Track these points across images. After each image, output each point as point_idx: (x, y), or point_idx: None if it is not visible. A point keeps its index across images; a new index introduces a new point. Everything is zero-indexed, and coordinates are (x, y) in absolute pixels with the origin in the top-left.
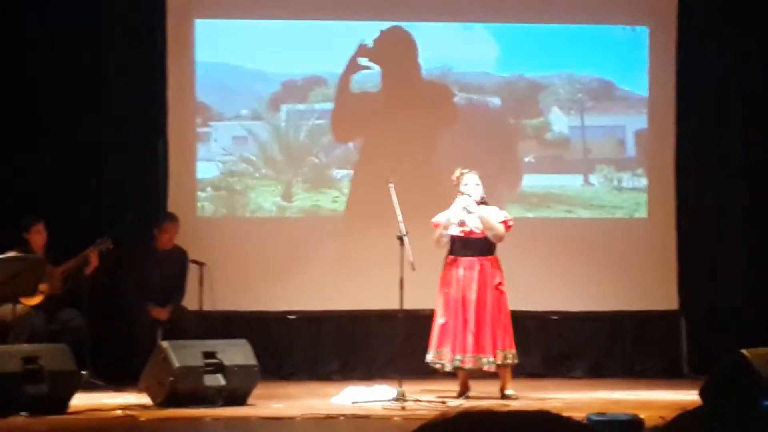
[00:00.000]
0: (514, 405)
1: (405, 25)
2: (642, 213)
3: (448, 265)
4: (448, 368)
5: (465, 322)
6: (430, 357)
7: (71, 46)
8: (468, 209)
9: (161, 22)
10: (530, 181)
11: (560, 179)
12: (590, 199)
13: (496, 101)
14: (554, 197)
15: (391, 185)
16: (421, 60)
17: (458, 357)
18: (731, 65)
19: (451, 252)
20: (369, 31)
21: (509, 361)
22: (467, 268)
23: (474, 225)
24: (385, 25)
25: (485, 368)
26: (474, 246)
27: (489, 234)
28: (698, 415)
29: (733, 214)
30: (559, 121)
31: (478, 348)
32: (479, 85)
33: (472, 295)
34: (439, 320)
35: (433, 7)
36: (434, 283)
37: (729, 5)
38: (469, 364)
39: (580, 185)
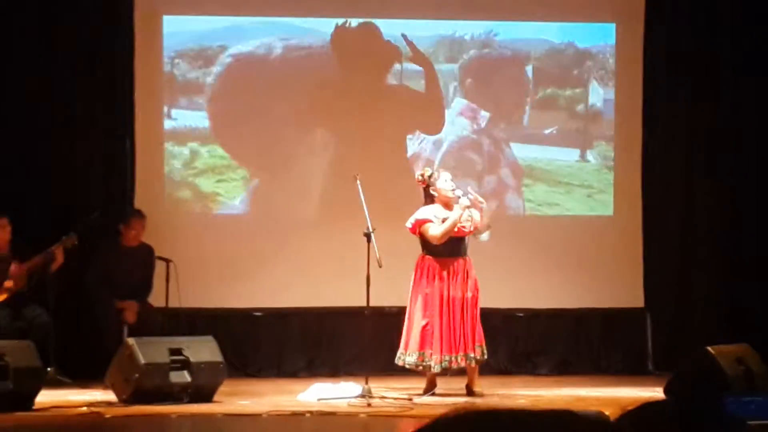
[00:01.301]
0: (481, 402)
1: (375, 21)
2: (608, 210)
3: (428, 264)
4: (436, 370)
5: (453, 321)
6: (411, 359)
7: (37, 42)
8: (477, 207)
9: (128, 17)
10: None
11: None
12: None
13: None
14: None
15: (358, 180)
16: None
17: (447, 357)
18: (699, 65)
19: (433, 251)
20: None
21: (485, 357)
22: (452, 267)
23: (465, 223)
24: (354, 21)
25: (467, 365)
26: (459, 245)
27: (480, 234)
28: (661, 407)
29: (699, 212)
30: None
31: (466, 346)
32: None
33: (458, 293)
34: (419, 321)
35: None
36: (401, 279)
37: (697, 2)
38: (460, 363)
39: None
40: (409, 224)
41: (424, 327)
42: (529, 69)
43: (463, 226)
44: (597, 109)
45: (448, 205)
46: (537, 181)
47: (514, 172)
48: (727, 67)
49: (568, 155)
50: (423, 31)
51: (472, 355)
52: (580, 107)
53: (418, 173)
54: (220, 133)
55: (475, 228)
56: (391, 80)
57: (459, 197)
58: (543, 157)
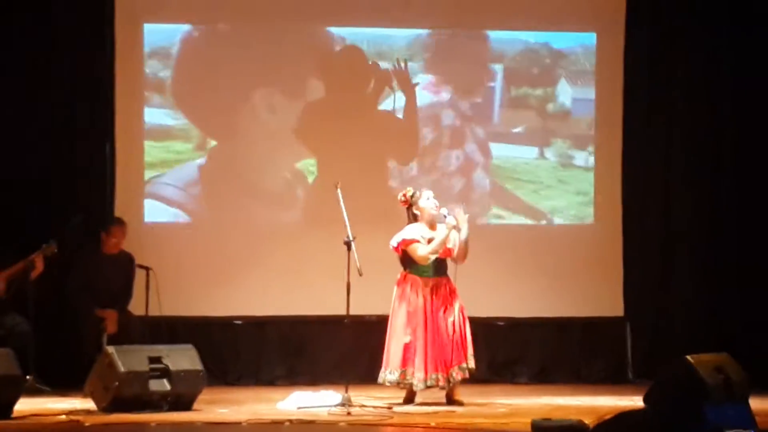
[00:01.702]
0: (461, 411)
1: (354, 30)
2: (588, 219)
3: (411, 282)
4: (419, 387)
5: (438, 339)
6: (393, 377)
7: (19, 47)
8: (457, 228)
9: (109, 25)
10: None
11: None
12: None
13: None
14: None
15: (338, 189)
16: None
17: (434, 376)
18: (679, 71)
19: (417, 270)
20: (323, 36)
21: (473, 367)
22: (436, 286)
23: (449, 243)
24: (336, 31)
25: (451, 382)
26: (443, 264)
27: (459, 256)
28: (638, 416)
29: (679, 221)
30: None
31: (453, 362)
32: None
33: (443, 311)
34: (402, 338)
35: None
36: (382, 288)
37: (676, 9)
38: (454, 378)
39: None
40: (394, 243)
41: (406, 345)
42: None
43: (447, 248)
44: (567, 109)
45: (432, 224)
46: (515, 188)
47: (488, 172)
48: (707, 73)
49: (545, 161)
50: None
51: (460, 366)
52: (549, 107)
53: (400, 194)
54: (198, 137)
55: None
56: (372, 95)
57: (445, 216)
58: (514, 158)
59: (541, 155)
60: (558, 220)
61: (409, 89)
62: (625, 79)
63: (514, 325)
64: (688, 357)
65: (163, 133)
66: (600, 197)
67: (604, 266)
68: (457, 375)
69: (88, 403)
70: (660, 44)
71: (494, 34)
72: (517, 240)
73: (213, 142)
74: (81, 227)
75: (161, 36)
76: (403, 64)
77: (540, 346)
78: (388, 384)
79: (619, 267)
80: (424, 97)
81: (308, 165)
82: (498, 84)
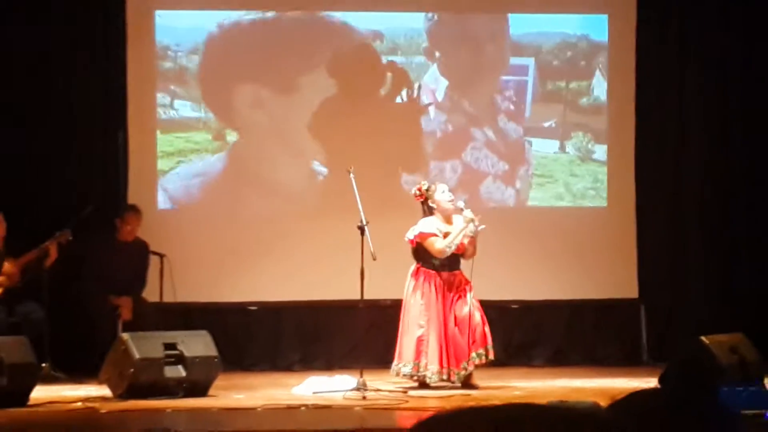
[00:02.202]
0: (476, 395)
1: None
2: (602, 201)
3: (425, 275)
4: (433, 380)
5: (452, 332)
6: (406, 369)
7: (30, 36)
8: (476, 225)
9: (121, 12)
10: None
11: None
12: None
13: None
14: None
15: (351, 173)
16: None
17: (447, 370)
18: (691, 54)
19: (431, 264)
20: (336, 22)
21: (492, 357)
22: (450, 280)
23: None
24: (351, 17)
25: (477, 362)
26: (457, 258)
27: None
28: (651, 396)
29: (692, 201)
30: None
31: (470, 350)
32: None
33: (457, 304)
34: (414, 332)
35: None
36: (395, 272)
37: None
38: (453, 377)
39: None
40: (411, 236)
41: (419, 338)
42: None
43: (462, 241)
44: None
45: (447, 218)
46: (531, 172)
47: (511, 161)
48: (722, 53)
49: (559, 145)
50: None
51: (481, 351)
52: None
53: (414, 188)
54: (215, 124)
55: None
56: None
57: (462, 209)
58: (536, 147)
59: (562, 149)
60: (572, 203)
61: (425, 82)
62: (638, 60)
63: (529, 308)
64: (703, 338)
65: (178, 123)
66: (613, 178)
67: (618, 248)
68: (470, 365)
69: (104, 390)
70: (673, 27)
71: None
72: (531, 223)
73: (229, 132)
74: (93, 215)
75: (174, 23)
76: (419, 55)
77: (555, 328)
78: (402, 376)
79: (633, 249)
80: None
81: (323, 155)
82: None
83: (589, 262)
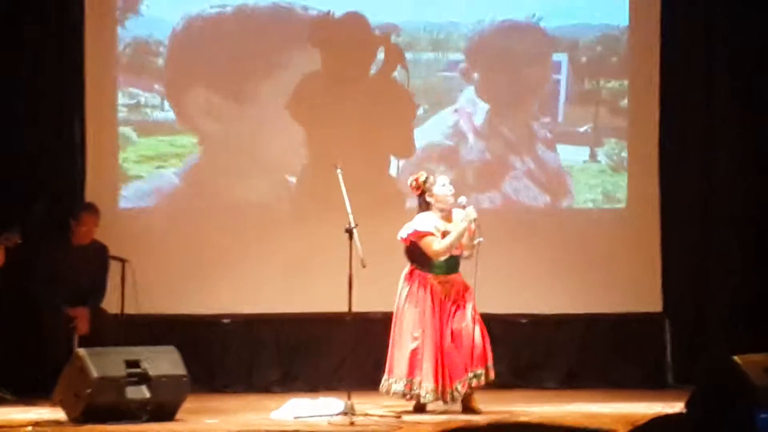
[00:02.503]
0: (479, 420)
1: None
2: (621, 202)
3: (419, 280)
4: (428, 399)
5: (443, 346)
6: (398, 387)
7: None
8: (474, 222)
9: None
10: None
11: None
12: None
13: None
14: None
15: (339, 171)
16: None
17: (443, 387)
18: (719, 44)
19: (427, 266)
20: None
21: (492, 378)
22: (448, 284)
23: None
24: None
25: (474, 384)
26: (456, 260)
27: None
28: (676, 422)
29: (723, 204)
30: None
31: (469, 367)
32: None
33: (456, 313)
34: (407, 344)
35: None
36: (388, 281)
37: None
38: (461, 390)
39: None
40: (404, 234)
41: (413, 351)
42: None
43: (460, 242)
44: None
45: (446, 215)
46: (541, 170)
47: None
48: (750, 43)
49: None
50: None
51: (479, 371)
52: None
53: (411, 178)
54: (180, 117)
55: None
56: (374, 69)
57: (464, 205)
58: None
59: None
60: (587, 203)
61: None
62: (662, 56)
63: (539, 323)
64: (736, 357)
65: (139, 114)
66: (635, 177)
67: (639, 255)
68: (468, 384)
69: (58, 414)
70: (698, 13)
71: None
72: (541, 227)
73: (199, 124)
74: (45, 214)
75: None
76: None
77: (568, 346)
78: (393, 394)
79: (657, 256)
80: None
81: (302, 147)
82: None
83: (607, 271)
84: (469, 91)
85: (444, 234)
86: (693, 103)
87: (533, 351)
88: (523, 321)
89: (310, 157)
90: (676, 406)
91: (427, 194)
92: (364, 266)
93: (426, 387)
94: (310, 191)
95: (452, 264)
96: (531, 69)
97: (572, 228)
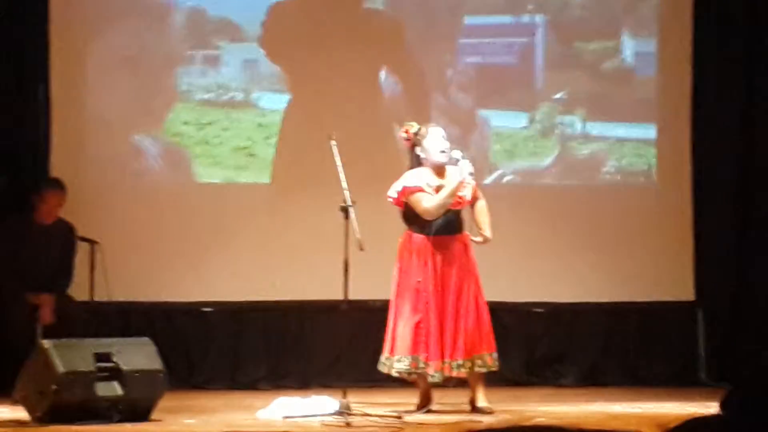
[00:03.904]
0: (488, 420)
1: None
2: (650, 177)
3: (417, 245)
4: (435, 379)
5: (454, 317)
6: (402, 365)
7: None
8: (468, 174)
9: None
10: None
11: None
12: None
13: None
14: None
15: (333, 143)
16: None
17: (449, 363)
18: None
19: (423, 228)
20: None
21: (493, 367)
22: (448, 248)
23: (465, 193)
24: None
25: (467, 374)
26: (456, 218)
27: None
28: (712, 424)
29: (764, 179)
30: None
31: (473, 348)
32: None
33: (457, 281)
34: (410, 318)
35: None
36: (388, 265)
37: None
38: (465, 369)
39: None
40: (393, 193)
41: (416, 325)
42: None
43: (462, 196)
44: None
45: (439, 170)
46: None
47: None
48: None
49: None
50: None
51: (479, 361)
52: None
53: (401, 130)
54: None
55: (473, 199)
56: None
57: (457, 160)
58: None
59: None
60: (611, 180)
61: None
62: (695, 19)
63: (557, 313)
64: None
65: (112, 78)
66: (665, 149)
67: (669, 237)
68: (466, 368)
69: (19, 412)
70: None
71: None
72: (559, 206)
73: (171, 89)
74: (4, 190)
75: None
76: None
77: (589, 339)
78: (395, 373)
79: (689, 238)
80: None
81: (297, 116)
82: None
83: (633, 254)
84: None
85: (438, 189)
86: (730, 64)
87: (551, 344)
88: (539, 310)
89: (303, 126)
90: (710, 407)
91: (417, 148)
92: (361, 249)
93: (434, 365)
94: (302, 164)
95: (451, 222)
96: None
97: (596, 207)
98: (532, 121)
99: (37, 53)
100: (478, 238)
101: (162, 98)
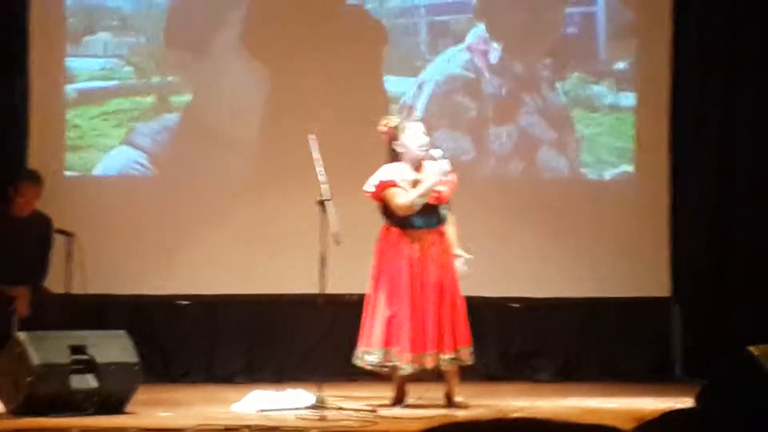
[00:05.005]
0: (463, 414)
1: None
2: (626, 169)
3: (395, 238)
4: (406, 371)
5: (428, 310)
6: (374, 358)
7: None
8: (445, 173)
9: None
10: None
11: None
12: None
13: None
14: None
15: (312, 137)
16: None
17: (421, 356)
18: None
19: (401, 222)
20: None
21: (469, 361)
22: (426, 241)
23: (443, 188)
24: None
25: (443, 368)
26: (434, 213)
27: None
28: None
29: (743, 174)
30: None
31: (440, 343)
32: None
33: (434, 275)
34: (384, 311)
35: None
36: (365, 260)
37: None
38: (430, 364)
39: None
40: (370, 187)
41: (390, 318)
42: None
43: (440, 191)
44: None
45: (417, 165)
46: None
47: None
48: None
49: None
50: None
51: (452, 355)
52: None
53: (381, 123)
54: (137, 71)
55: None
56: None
57: (436, 158)
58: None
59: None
60: (587, 173)
61: None
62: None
63: (533, 307)
64: (751, 348)
65: (88, 71)
66: (642, 142)
67: (646, 231)
68: (439, 362)
69: None
70: None
71: None
72: (535, 199)
73: (154, 79)
74: None
75: None
76: None
77: (564, 334)
78: (368, 367)
79: (665, 233)
80: None
81: (274, 110)
82: None
83: (610, 249)
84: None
85: (414, 184)
86: (709, 56)
87: (527, 339)
88: (515, 305)
89: (281, 119)
90: (686, 402)
91: (396, 142)
92: (338, 243)
93: (405, 357)
94: (278, 156)
95: (429, 217)
96: None
97: (573, 200)
98: None
99: (17, 44)
100: (461, 261)
101: None
